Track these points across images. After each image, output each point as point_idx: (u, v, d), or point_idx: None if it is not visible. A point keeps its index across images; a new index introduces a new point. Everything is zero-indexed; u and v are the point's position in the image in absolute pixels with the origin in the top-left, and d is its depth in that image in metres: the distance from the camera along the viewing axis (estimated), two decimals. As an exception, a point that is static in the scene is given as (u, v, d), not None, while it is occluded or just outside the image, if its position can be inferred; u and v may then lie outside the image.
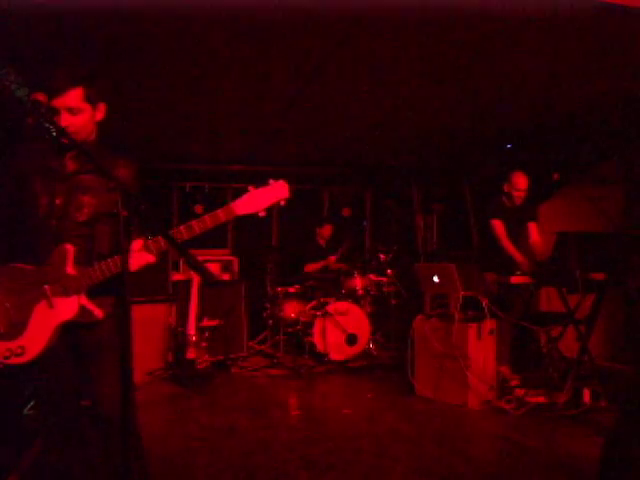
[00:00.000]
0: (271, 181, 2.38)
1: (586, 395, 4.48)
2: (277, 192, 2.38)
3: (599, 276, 4.38)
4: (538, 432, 4.01)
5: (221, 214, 2.33)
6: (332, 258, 7.16)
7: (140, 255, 2.32)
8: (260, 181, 2.41)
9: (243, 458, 3.61)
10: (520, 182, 5.31)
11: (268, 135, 6.43)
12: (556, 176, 6.11)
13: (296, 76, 4.52)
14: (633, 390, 2.34)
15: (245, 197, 2.36)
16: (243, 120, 5.73)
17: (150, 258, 2.35)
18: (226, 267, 7.27)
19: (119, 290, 2.12)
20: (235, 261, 7.44)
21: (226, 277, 7.16)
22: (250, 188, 2.37)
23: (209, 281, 5.86)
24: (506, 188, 5.37)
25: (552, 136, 5.95)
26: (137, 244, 2.33)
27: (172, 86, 4.61)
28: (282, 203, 2.39)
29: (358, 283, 6.80)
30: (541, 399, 4.54)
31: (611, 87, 4.70)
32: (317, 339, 6.25)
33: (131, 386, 1.94)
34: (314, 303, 6.60)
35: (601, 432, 3.81)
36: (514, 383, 4.71)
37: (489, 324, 4.71)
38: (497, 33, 3.82)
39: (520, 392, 4.60)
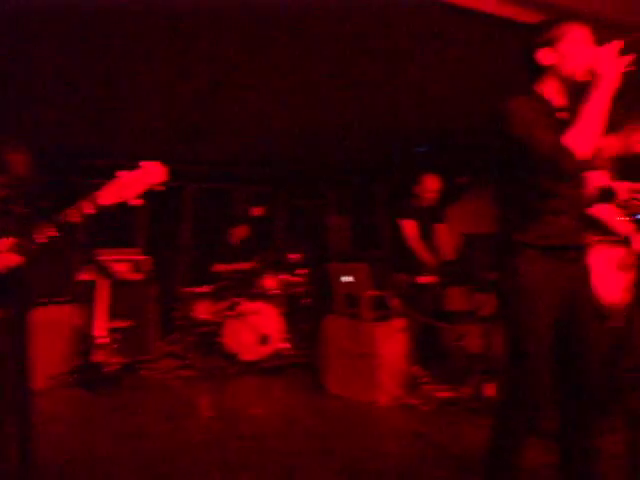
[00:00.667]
0: (143, 163, 2.13)
1: (489, 388, 4.67)
2: (150, 175, 2.13)
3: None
4: (445, 426, 4.14)
5: (85, 205, 2.13)
6: (246, 265, 7.07)
7: (4, 256, 2.11)
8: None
9: (155, 462, 3.52)
10: (431, 184, 5.47)
11: (180, 133, 6.31)
12: (463, 179, 6.35)
13: (207, 74, 4.48)
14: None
15: (112, 184, 2.11)
16: (154, 117, 5.61)
17: (17, 259, 2.12)
18: (137, 266, 7.06)
19: (11, 291, 1.99)
20: (146, 260, 7.24)
21: (137, 277, 6.95)
22: (119, 174, 2.11)
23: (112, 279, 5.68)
24: (417, 190, 5.52)
25: (460, 140, 6.18)
26: (3, 244, 2.14)
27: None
28: (158, 188, 2.15)
29: (270, 283, 6.79)
30: (448, 394, 4.69)
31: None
32: (229, 339, 6.19)
33: (26, 391, 1.83)
34: (226, 303, 6.53)
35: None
36: (424, 380, 4.85)
37: (398, 323, 4.83)
38: (405, 43, 3.95)
39: (428, 388, 4.74)
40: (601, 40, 2.27)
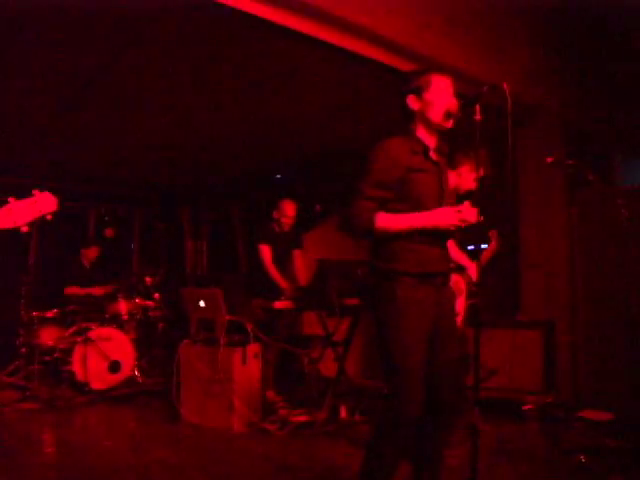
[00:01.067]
0: (36, 192, 2.17)
1: (343, 411, 4.83)
2: (42, 205, 2.17)
3: (354, 301, 4.80)
4: (300, 450, 4.20)
5: None
6: (96, 287, 6.78)
7: None
8: (20, 195, 2.22)
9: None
10: (288, 209, 5.58)
11: (30, 145, 5.98)
12: (318, 207, 6.55)
13: (64, 85, 4.32)
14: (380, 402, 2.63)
15: (4, 209, 2.13)
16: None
17: None
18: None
19: None
20: (-17, 284, 6.72)
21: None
22: (10, 199, 2.14)
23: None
24: (275, 214, 5.60)
25: (315, 170, 6.39)
26: None
27: None
28: (48, 217, 2.20)
29: (123, 307, 6.56)
30: (303, 418, 4.77)
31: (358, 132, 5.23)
32: (77, 367, 5.88)
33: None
34: (74, 328, 6.20)
35: (356, 443, 4.13)
36: (280, 405, 4.90)
37: (254, 348, 4.85)
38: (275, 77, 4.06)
39: (284, 413, 4.80)
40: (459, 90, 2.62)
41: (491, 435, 4.26)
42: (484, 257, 4.41)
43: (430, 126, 2.63)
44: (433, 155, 2.66)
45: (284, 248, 5.63)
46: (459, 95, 2.60)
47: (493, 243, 4.44)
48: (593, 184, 3.64)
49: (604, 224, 5.02)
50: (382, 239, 2.55)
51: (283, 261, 5.60)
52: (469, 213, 2.47)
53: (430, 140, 2.66)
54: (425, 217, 2.48)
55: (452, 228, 2.49)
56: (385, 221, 2.48)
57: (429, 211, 2.48)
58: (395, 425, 2.52)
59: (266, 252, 5.48)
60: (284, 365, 5.34)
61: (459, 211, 2.46)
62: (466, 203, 2.51)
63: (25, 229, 2.16)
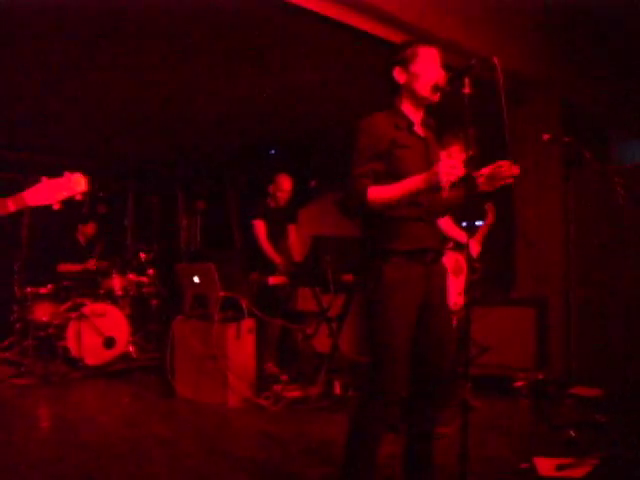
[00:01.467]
0: (67, 173, 2.27)
1: (337, 387, 4.86)
2: (73, 185, 2.26)
3: (348, 277, 4.80)
4: (294, 424, 4.24)
5: (10, 203, 2.21)
6: (92, 262, 6.75)
7: None
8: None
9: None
10: (285, 183, 5.55)
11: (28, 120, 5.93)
12: (313, 183, 6.53)
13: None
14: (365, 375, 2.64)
15: (38, 187, 2.24)
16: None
17: None
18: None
19: None
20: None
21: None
22: (43, 179, 2.25)
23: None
24: (271, 189, 5.57)
25: (310, 145, 6.35)
26: None
27: None
28: (78, 197, 2.29)
29: (117, 283, 6.56)
30: (297, 393, 4.80)
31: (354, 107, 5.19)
32: (71, 343, 5.89)
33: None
34: (69, 304, 6.21)
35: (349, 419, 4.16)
36: (280, 377, 4.92)
37: (248, 323, 4.87)
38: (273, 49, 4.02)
39: (278, 388, 4.83)
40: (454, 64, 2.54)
41: (482, 411, 4.30)
42: (482, 232, 4.42)
43: (416, 99, 2.58)
44: (418, 130, 2.62)
45: (279, 223, 5.61)
46: (449, 68, 2.55)
47: (490, 216, 4.44)
48: (589, 162, 3.63)
49: (600, 203, 5.02)
50: (374, 215, 2.51)
51: (278, 236, 5.58)
52: (456, 165, 2.37)
53: (415, 115, 2.61)
54: (416, 179, 2.39)
55: (445, 184, 2.34)
56: (377, 192, 2.42)
57: (419, 175, 2.38)
58: (378, 401, 2.53)
59: (260, 228, 5.46)
60: (278, 341, 5.36)
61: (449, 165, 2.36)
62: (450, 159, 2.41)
63: (57, 207, 2.27)
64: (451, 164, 2.30)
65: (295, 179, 5.65)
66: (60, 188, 2.25)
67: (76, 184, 2.27)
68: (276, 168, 5.93)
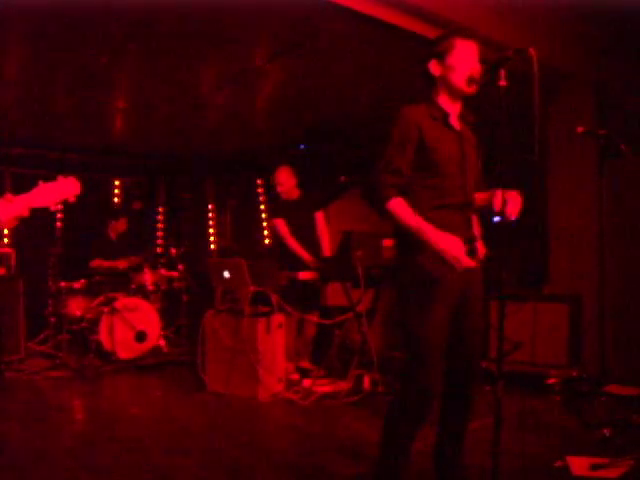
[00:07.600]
0: (60, 177, 2.39)
1: (366, 382, 4.84)
2: (67, 188, 2.39)
3: (378, 272, 4.78)
4: (323, 419, 4.24)
5: (14, 205, 2.31)
6: (123, 263, 6.80)
7: None
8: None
9: (15, 473, 3.29)
10: (280, 176, 5.44)
11: (54, 118, 6.02)
12: (343, 178, 6.50)
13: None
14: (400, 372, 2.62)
15: (35, 191, 2.36)
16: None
17: None
18: (1, 261, 6.62)
19: None
20: (12, 254, 6.80)
21: (0, 272, 6.52)
22: (39, 182, 2.37)
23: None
24: (275, 186, 5.51)
25: (340, 141, 6.32)
26: None
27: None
28: (72, 200, 2.41)
29: (148, 278, 6.63)
30: (327, 388, 4.81)
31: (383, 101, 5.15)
32: (104, 337, 5.97)
33: None
34: (101, 299, 6.30)
35: (378, 414, 4.13)
36: (315, 374, 4.92)
37: (278, 318, 4.88)
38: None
39: (308, 383, 4.83)
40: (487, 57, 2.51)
41: (514, 408, 4.24)
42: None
43: (452, 92, 2.56)
44: (454, 122, 2.60)
45: (299, 216, 5.48)
46: (484, 60, 2.52)
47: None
48: (625, 155, 3.54)
49: (636, 196, 4.91)
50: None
51: (303, 229, 5.47)
52: (467, 262, 2.35)
53: (452, 107, 2.60)
54: (435, 235, 2.35)
55: (453, 263, 2.33)
56: (399, 209, 2.42)
57: (442, 233, 2.36)
58: (416, 396, 2.51)
59: (282, 226, 5.40)
60: (316, 337, 5.36)
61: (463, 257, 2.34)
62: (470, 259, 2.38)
63: (54, 208, 2.40)
64: (460, 256, 2.30)
65: (325, 174, 5.59)
66: (56, 191, 2.38)
67: (70, 187, 2.40)
68: (306, 164, 5.89)
